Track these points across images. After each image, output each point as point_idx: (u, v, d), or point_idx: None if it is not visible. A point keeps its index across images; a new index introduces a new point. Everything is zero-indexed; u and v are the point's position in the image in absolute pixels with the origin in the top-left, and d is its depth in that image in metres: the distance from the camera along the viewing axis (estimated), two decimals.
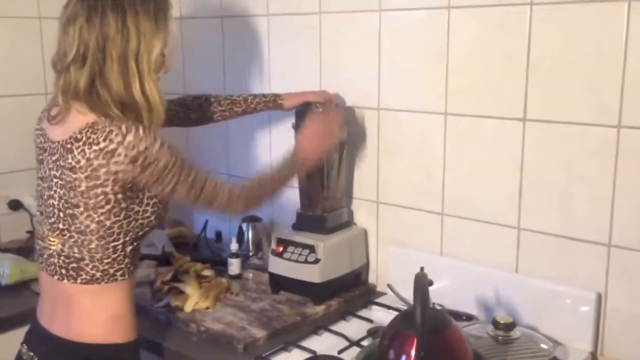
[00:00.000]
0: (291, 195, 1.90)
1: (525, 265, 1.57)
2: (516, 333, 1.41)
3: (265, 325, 1.60)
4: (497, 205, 1.60)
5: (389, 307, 1.65)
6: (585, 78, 1.42)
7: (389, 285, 1.52)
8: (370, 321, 1.63)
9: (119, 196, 1.31)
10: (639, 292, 1.42)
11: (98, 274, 1.35)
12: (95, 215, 1.32)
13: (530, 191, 1.54)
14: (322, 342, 1.54)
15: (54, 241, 1.37)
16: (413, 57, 1.70)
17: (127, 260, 1.38)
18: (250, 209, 1.56)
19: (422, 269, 1.19)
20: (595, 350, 1.48)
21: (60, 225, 1.35)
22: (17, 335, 1.48)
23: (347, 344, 1.50)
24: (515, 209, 1.56)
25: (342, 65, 1.85)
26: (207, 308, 1.68)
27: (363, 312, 1.69)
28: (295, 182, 1.84)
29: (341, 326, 1.61)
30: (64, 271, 1.36)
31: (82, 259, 1.35)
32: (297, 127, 1.73)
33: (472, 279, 1.62)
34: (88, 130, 1.29)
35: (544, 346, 1.42)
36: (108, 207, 1.32)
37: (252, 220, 2.03)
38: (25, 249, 2.03)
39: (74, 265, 1.35)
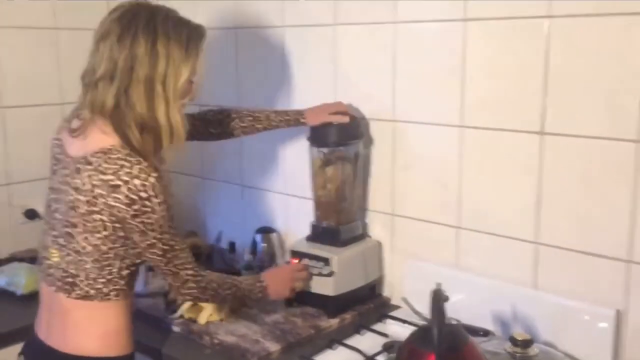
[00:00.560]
0: (305, 206, 1.89)
1: (542, 280, 1.55)
2: (534, 350, 1.38)
3: (279, 338, 1.59)
4: (514, 219, 1.58)
5: (404, 321, 1.63)
6: (604, 92, 1.40)
7: (404, 299, 1.50)
8: (385, 335, 1.61)
9: (117, 225, 1.32)
10: None
11: (92, 292, 1.36)
12: (92, 239, 1.32)
13: (547, 205, 1.52)
14: (336, 357, 1.53)
15: (54, 253, 1.38)
16: (429, 69, 1.69)
17: (122, 282, 1.38)
18: (197, 299, 1.56)
19: (438, 285, 1.18)
20: None
21: (61, 241, 1.36)
22: None
23: (362, 359, 1.49)
24: (532, 223, 1.55)
25: (357, 77, 1.84)
26: (221, 320, 1.68)
27: (377, 326, 1.67)
28: (309, 193, 1.84)
29: (356, 340, 1.60)
30: (60, 283, 1.37)
31: (77, 276, 1.35)
32: (312, 140, 1.74)
33: (488, 293, 1.60)
34: (101, 157, 1.30)
35: None
36: (105, 233, 1.32)
37: (266, 231, 2.03)
38: None
39: (70, 280, 1.36)
